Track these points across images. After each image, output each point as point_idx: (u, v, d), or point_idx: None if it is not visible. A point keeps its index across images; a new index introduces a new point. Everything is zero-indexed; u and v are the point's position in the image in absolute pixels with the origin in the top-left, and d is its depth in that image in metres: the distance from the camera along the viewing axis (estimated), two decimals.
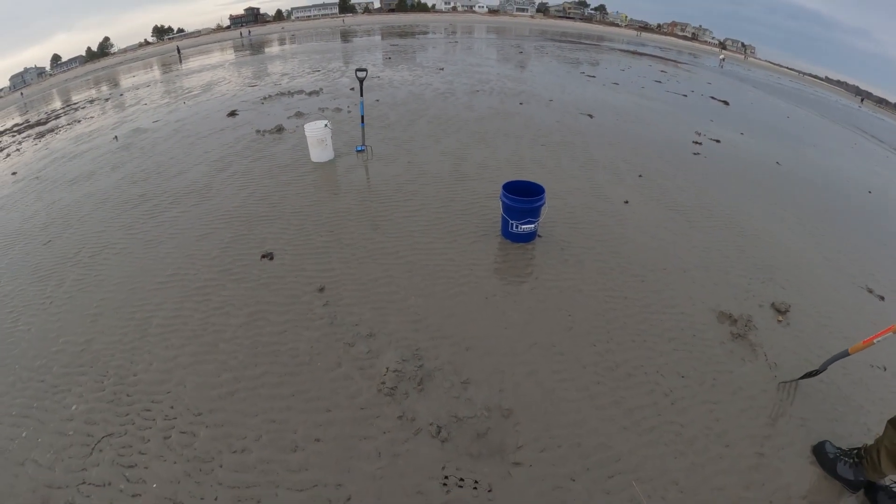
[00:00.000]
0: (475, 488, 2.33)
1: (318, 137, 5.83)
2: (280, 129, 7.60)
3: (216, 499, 2.34)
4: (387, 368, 2.89)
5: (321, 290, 3.64)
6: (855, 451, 2.46)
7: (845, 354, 2.71)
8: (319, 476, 2.41)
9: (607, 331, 3.31)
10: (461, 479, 2.36)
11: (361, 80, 5.92)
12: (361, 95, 5.96)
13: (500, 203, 4.03)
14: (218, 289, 3.79)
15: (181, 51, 34.90)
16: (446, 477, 2.37)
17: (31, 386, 3.08)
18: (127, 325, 3.53)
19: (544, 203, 3.95)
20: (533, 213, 3.93)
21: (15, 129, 14.11)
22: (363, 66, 5.99)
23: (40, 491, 2.42)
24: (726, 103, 13.97)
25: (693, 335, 3.37)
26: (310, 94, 10.40)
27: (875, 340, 2.52)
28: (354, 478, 2.39)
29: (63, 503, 2.36)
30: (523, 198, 3.88)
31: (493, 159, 6.18)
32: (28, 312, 3.83)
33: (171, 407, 2.84)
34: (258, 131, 7.64)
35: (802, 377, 2.99)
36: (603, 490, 2.36)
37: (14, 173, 7.90)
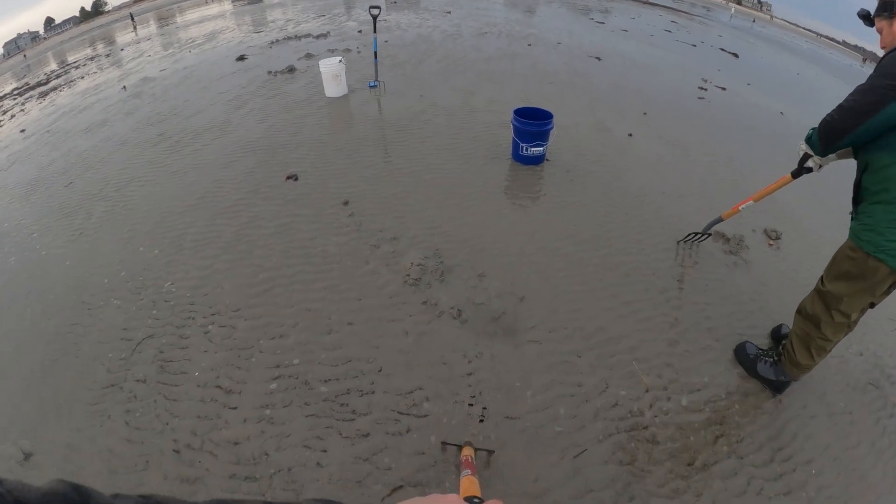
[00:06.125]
0: (492, 360, 2.67)
1: (332, 73, 5.98)
2: (292, 70, 7.71)
3: (257, 379, 2.64)
4: (411, 263, 3.20)
5: (346, 203, 3.91)
6: (774, 351, 2.62)
7: (720, 220, 3.26)
8: (353, 353, 2.72)
9: (608, 239, 3.60)
10: (480, 353, 2.70)
11: (375, 17, 6.03)
12: (375, 32, 6.09)
13: (511, 127, 4.26)
14: (248, 206, 4.04)
15: (135, 18, 32.62)
16: (467, 351, 2.71)
17: (67, 307, 3.27)
18: (161, 242, 3.76)
19: (552, 127, 4.19)
20: (542, 137, 4.17)
21: (15, 92, 13.89)
22: (376, 4, 6.06)
23: (80, 394, 2.65)
24: (736, 56, 13.83)
25: (688, 247, 3.66)
26: (317, 37, 10.39)
27: (740, 208, 3.04)
28: (384, 353, 2.71)
29: (107, 402, 2.59)
30: (533, 121, 4.11)
31: (502, 95, 6.35)
32: (57, 244, 4.01)
33: (210, 307, 3.11)
34: (270, 72, 7.74)
35: (687, 238, 3.63)
36: (605, 366, 2.67)
37: (23, 130, 7.92)
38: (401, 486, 2.18)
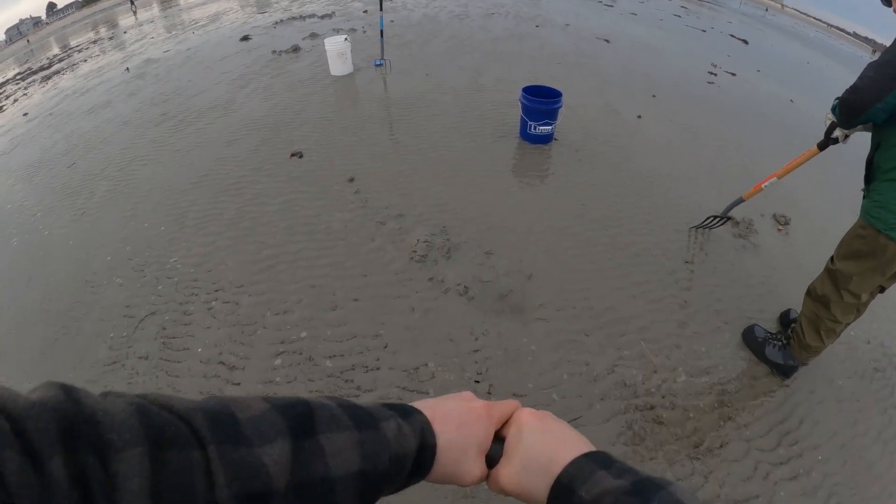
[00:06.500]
0: (499, 337, 2.63)
1: (338, 51, 5.90)
2: (296, 49, 7.61)
3: (261, 355, 2.62)
4: (417, 240, 3.16)
5: (351, 180, 3.86)
6: (783, 334, 2.59)
7: (741, 200, 3.13)
8: (358, 329, 2.70)
9: (617, 219, 3.55)
10: (486, 330, 2.66)
11: None
12: (381, 10, 5.99)
13: (520, 105, 4.19)
14: (251, 183, 3.99)
15: (134, 2, 31.48)
16: (473, 328, 2.67)
17: (69, 286, 3.25)
18: (163, 220, 3.73)
19: (561, 106, 4.12)
20: (551, 115, 4.10)
21: (18, 77, 13.69)
22: None
23: (82, 372, 2.65)
24: (746, 42, 13.61)
25: (697, 230, 3.60)
26: (322, 17, 10.23)
27: (763, 186, 2.94)
28: (390, 329, 2.68)
29: (109, 379, 2.58)
30: (542, 99, 4.05)
31: (510, 74, 6.24)
32: (60, 224, 3.99)
33: (213, 283, 3.09)
34: (274, 52, 7.64)
35: (705, 222, 3.46)
36: (614, 346, 2.64)
37: (26, 114, 7.81)
38: None
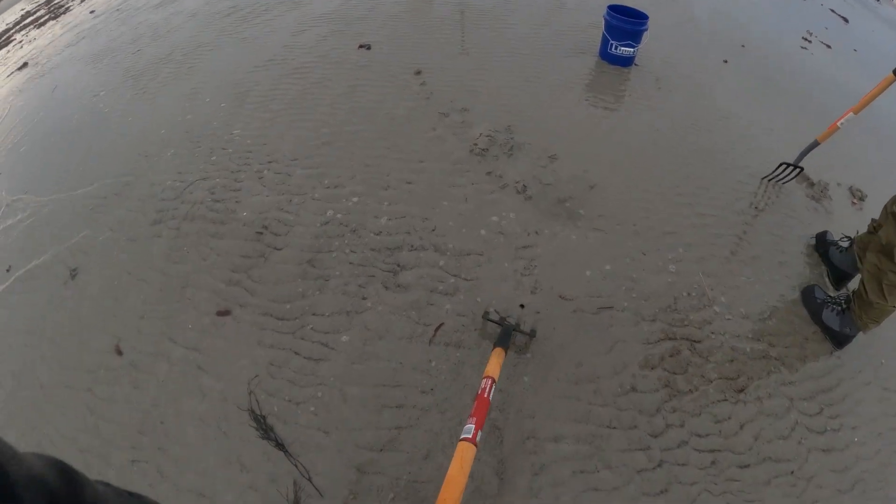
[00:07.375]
0: (553, 238, 2.54)
1: None
2: None
3: (306, 223, 2.63)
4: (480, 134, 3.06)
5: (418, 73, 3.74)
6: (843, 298, 2.43)
7: (816, 144, 2.94)
8: (408, 209, 2.66)
9: (689, 151, 3.33)
10: (541, 229, 2.57)
11: None
12: None
13: (603, 23, 3.93)
14: (316, 68, 3.93)
15: None
16: (528, 225, 2.60)
17: (124, 156, 3.41)
18: (224, 98, 3.74)
19: (647, 29, 3.84)
20: (634, 37, 3.82)
21: None
22: None
23: (127, 230, 2.80)
24: (846, 20, 12.51)
25: (769, 180, 3.37)
26: None
27: (839, 124, 2.75)
28: (440, 214, 2.63)
29: (153, 237, 2.72)
30: (627, 18, 3.78)
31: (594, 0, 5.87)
32: (121, 103, 4.07)
33: (268, 155, 3.10)
34: None
35: (777, 170, 3.18)
36: (669, 270, 2.52)
37: (92, 11, 7.74)
38: (442, 324, 2.17)
